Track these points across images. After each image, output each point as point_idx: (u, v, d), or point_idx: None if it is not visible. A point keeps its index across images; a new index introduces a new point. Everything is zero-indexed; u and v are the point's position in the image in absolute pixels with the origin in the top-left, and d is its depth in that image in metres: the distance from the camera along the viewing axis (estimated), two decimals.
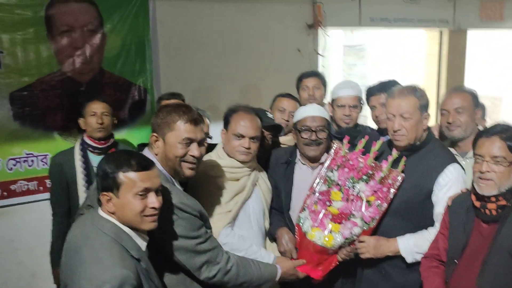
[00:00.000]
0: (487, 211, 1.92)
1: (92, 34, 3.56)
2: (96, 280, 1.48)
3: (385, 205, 2.29)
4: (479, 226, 1.96)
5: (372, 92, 3.06)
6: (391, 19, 5.21)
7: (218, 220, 2.26)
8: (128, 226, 1.66)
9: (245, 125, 2.35)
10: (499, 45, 7.88)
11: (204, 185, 2.31)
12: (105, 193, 1.63)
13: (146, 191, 1.64)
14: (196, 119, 1.96)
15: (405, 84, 2.46)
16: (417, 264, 2.25)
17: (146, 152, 1.96)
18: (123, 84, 3.76)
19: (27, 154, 3.44)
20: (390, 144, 2.44)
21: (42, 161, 3.46)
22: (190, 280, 1.97)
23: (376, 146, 2.39)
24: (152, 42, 3.84)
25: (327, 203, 2.36)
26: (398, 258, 2.30)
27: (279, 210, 2.60)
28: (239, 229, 2.36)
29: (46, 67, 3.43)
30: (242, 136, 2.34)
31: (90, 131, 2.85)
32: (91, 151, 2.87)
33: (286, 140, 2.89)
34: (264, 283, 2.21)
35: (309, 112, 2.55)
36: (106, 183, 1.62)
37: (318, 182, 2.44)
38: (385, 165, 2.32)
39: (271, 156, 2.70)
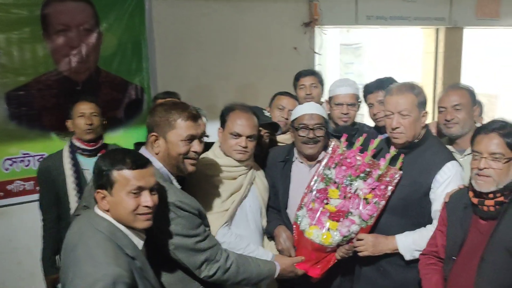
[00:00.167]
0: (485, 208, 1.92)
1: (88, 33, 3.54)
2: (89, 278, 1.47)
3: (383, 202, 2.29)
4: (477, 223, 1.96)
5: (369, 89, 3.06)
6: (387, 17, 5.20)
7: (215, 219, 2.25)
8: (123, 224, 1.65)
9: (242, 124, 2.33)
10: (496, 43, 7.90)
11: (201, 184, 2.30)
12: (99, 190, 1.64)
13: (140, 189, 1.63)
14: (195, 115, 1.97)
15: (403, 81, 2.45)
16: (415, 261, 2.25)
17: (144, 151, 1.95)
18: (119, 83, 3.74)
19: (24, 154, 3.43)
20: (388, 142, 2.43)
21: (39, 161, 3.42)
22: (189, 279, 1.97)
23: (374, 144, 2.39)
24: (149, 41, 3.82)
25: (325, 201, 2.36)
26: (396, 255, 2.30)
27: (276, 208, 2.59)
28: (236, 227, 2.36)
29: (42, 66, 3.41)
30: (239, 135, 2.33)
31: (79, 133, 2.76)
32: (81, 154, 2.79)
33: (284, 138, 2.89)
34: (263, 280, 2.21)
35: (307, 110, 2.54)
36: (101, 180, 1.63)
37: (316, 180, 2.44)
38: (382, 162, 2.31)
39: (268, 154, 2.69)
